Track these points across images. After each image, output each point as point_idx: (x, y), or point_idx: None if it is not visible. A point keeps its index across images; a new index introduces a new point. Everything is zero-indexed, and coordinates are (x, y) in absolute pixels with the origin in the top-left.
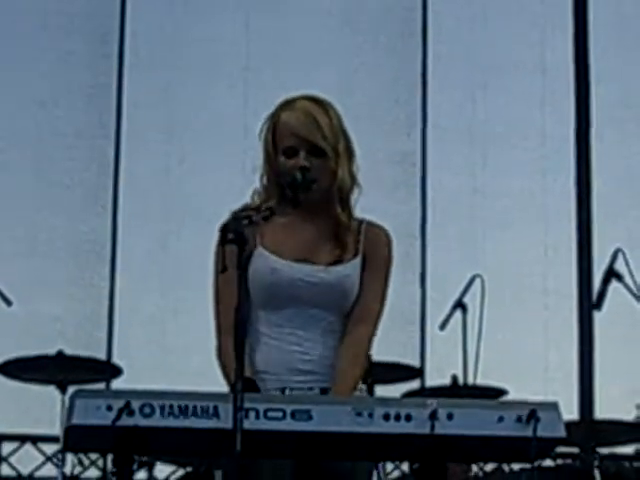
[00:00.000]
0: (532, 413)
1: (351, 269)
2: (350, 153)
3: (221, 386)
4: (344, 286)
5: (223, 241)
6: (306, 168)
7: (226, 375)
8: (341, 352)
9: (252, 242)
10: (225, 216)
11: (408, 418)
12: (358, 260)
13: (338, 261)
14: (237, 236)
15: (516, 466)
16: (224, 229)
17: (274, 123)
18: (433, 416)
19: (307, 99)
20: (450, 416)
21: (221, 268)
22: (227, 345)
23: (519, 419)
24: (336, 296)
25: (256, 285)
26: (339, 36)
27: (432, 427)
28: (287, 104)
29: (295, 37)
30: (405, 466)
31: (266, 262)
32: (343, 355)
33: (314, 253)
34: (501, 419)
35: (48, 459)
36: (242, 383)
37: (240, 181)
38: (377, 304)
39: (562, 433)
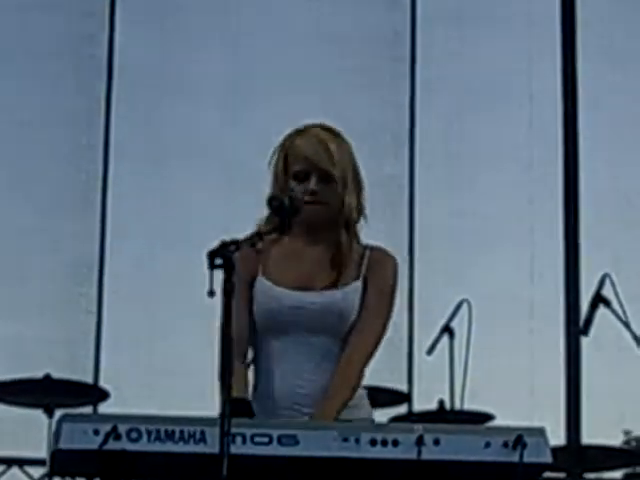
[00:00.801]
0: (519, 438)
1: (349, 292)
2: (359, 183)
3: (208, 410)
4: (340, 308)
5: (211, 266)
6: (315, 191)
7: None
8: (335, 369)
9: (254, 269)
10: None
11: (395, 443)
12: (359, 283)
13: (334, 284)
14: (225, 262)
15: None
16: (211, 254)
17: (286, 149)
18: (420, 441)
19: (320, 127)
20: (437, 441)
21: (208, 293)
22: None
23: (506, 444)
24: (332, 319)
25: (257, 313)
26: (327, 58)
27: (419, 452)
28: (300, 131)
29: (283, 59)
30: None
31: (265, 290)
32: (336, 372)
33: (312, 279)
34: (488, 444)
35: None
36: (229, 407)
37: (226, 203)
38: (378, 320)
39: (549, 459)
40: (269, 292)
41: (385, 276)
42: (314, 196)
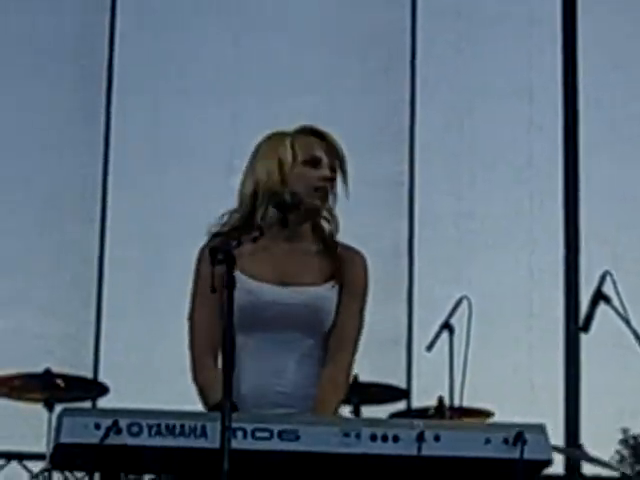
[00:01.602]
0: (519, 435)
1: (327, 291)
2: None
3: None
4: (320, 307)
5: (213, 262)
6: (333, 178)
7: (204, 396)
8: (321, 381)
9: None
10: (205, 236)
11: (395, 439)
12: (336, 283)
13: (315, 282)
14: (226, 256)
15: None
16: (213, 250)
17: (293, 139)
18: (420, 437)
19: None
20: (437, 437)
21: (211, 289)
22: (205, 365)
23: (506, 441)
24: (312, 317)
25: (236, 308)
26: (327, 57)
27: (419, 448)
28: (307, 126)
29: (283, 58)
30: None
31: (242, 285)
32: (323, 384)
33: (291, 275)
34: (488, 441)
35: (34, 477)
36: (230, 402)
37: (225, 203)
38: (354, 331)
39: (549, 455)
40: (247, 286)
41: (360, 280)
42: (327, 182)
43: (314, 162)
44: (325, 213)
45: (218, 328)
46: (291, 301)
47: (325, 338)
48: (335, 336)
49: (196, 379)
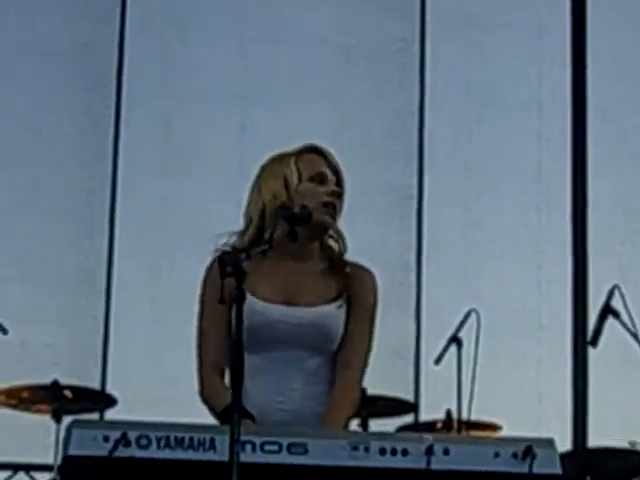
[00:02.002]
0: (528, 449)
1: (335, 309)
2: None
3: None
4: (327, 326)
5: (222, 274)
6: (339, 193)
7: (212, 406)
8: (331, 397)
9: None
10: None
11: (404, 453)
12: (343, 302)
13: (322, 302)
14: (235, 269)
15: None
16: (222, 262)
17: (297, 158)
18: (429, 451)
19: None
20: (446, 451)
21: (219, 299)
22: (212, 381)
23: (515, 455)
24: (318, 336)
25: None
26: (336, 67)
27: (428, 462)
28: (309, 145)
29: (291, 68)
30: None
31: (248, 304)
32: (332, 400)
33: (298, 294)
34: (497, 455)
35: None
36: (239, 415)
37: (234, 213)
38: (363, 348)
39: (558, 470)
40: (253, 306)
41: (369, 299)
42: (335, 197)
43: (320, 178)
44: (332, 232)
45: (226, 344)
46: (297, 321)
47: (333, 357)
48: (344, 353)
49: (202, 393)
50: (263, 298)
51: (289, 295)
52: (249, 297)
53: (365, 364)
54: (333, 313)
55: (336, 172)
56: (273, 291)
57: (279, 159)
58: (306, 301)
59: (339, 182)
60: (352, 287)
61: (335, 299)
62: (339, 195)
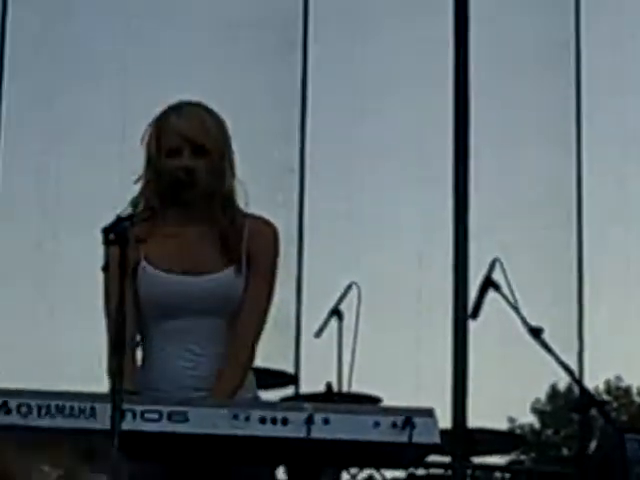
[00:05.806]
0: (408, 419)
1: (233, 274)
2: (232, 163)
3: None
4: (225, 292)
5: (106, 242)
6: (190, 168)
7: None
8: (219, 368)
9: (136, 255)
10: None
11: (285, 422)
12: (243, 261)
13: (221, 267)
14: (119, 237)
15: (389, 474)
16: (106, 230)
17: (159, 126)
18: (309, 420)
19: (195, 104)
20: (326, 420)
21: (103, 267)
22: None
23: (394, 425)
24: (221, 303)
25: (142, 299)
26: (220, 40)
27: (308, 431)
28: (174, 108)
29: (175, 45)
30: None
31: (148, 275)
32: (220, 371)
33: (197, 262)
34: (377, 424)
35: None
36: (122, 383)
37: (118, 185)
38: (263, 301)
39: (437, 439)
40: (153, 278)
41: (268, 251)
42: (189, 172)
43: (171, 153)
44: (224, 193)
45: (131, 317)
46: (195, 289)
47: (233, 319)
48: (238, 318)
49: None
50: (162, 268)
51: (187, 263)
52: (150, 267)
53: (263, 320)
54: (231, 279)
55: (199, 133)
56: (171, 260)
57: (153, 122)
58: (205, 268)
59: (202, 146)
60: (251, 242)
61: (233, 262)
62: (191, 171)
